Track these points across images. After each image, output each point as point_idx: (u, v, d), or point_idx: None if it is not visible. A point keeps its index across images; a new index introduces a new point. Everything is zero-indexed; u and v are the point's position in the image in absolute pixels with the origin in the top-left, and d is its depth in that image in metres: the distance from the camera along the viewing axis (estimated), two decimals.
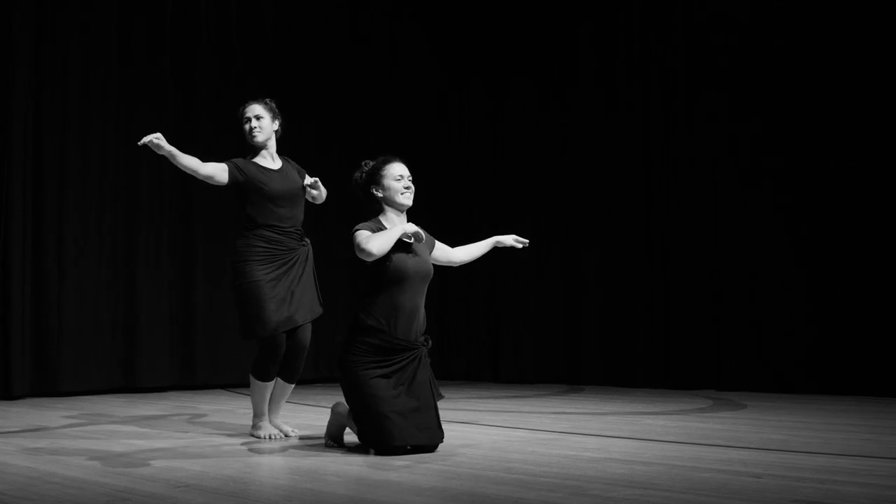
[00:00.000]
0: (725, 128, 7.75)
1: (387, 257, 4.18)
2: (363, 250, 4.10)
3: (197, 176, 4.70)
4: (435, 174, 9.40)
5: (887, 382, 6.85)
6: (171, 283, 7.92)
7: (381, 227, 4.28)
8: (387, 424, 4.08)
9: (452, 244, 9.64)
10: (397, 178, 4.32)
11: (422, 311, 4.31)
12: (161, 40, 7.97)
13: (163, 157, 8.17)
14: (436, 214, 9.39)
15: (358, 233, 4.18)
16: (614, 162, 8.39)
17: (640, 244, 8.20)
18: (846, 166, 7.16)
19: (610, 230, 8.37)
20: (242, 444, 4.61)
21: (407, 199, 4.35)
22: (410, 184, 4.36)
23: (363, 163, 4.44)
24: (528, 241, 4.68)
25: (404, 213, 4.40)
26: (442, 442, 4.30)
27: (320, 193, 4.95)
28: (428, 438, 4.18)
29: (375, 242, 4.11)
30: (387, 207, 4.34)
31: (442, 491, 3.33)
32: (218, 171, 4.73)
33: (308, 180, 4.89)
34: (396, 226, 4.28)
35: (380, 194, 4.33)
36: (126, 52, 7.82)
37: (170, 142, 7.93)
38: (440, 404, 4.40)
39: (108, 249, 7.65)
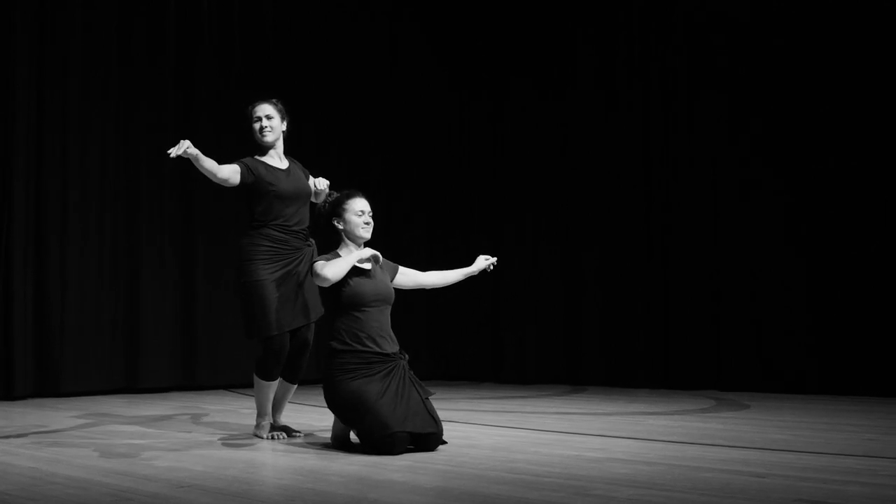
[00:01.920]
0: (725, 128, 7.75)
1: (344, 283, 4.38)
2: (318, 276, 4.33)
3: (214, 179, 4.69)
4: (435, 174, 9.41)
5: (889, 382, 6.85)
6: (172, 283, 7.90)
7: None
8: (377, 417, 4.16)
9: (452, 245, 9.63)
10: (359, 213, 4.54)
11: (387, 330, 4.45)
12: (161, 40, 7.97)
13: (165, 157, 8.18)
14: (436, 214, 9.41)
15: (315, 263, 4.40)
16: (614, 162, 8.39)
17: (640, 244, 8.20)
18: (846, 166, 7.17)
19: (610, 230, 8.37)
20: (245, 444, 4.62)
21: (366, 232, 4.56)
22: (371, 219, 4.58)
23: (328, 193, 4.70)
24: (495, 258, 4.75)
25: (362, 246, 4.58)
26: (442, 436, 4.32)
27: (323, 193, 4.99)
28: (421, 425, 4.21)
29: (331, 269, 4.31)
30: (346, 239, 4.54)
31: (444, 491, 3.34)
32: (232, 174, 4.73)
33: (320, 185, 4.92)
34: (354, 252, 4.46)
35: (340, 226, 4.55)
36: (126, 52, 7.80)
37: (169, 141, 7.96)
38: (437, 403, 4.47)
39: (108, 249, 7.64)
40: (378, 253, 4.45)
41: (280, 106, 4.94)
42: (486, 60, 9.33)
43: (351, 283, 4.37)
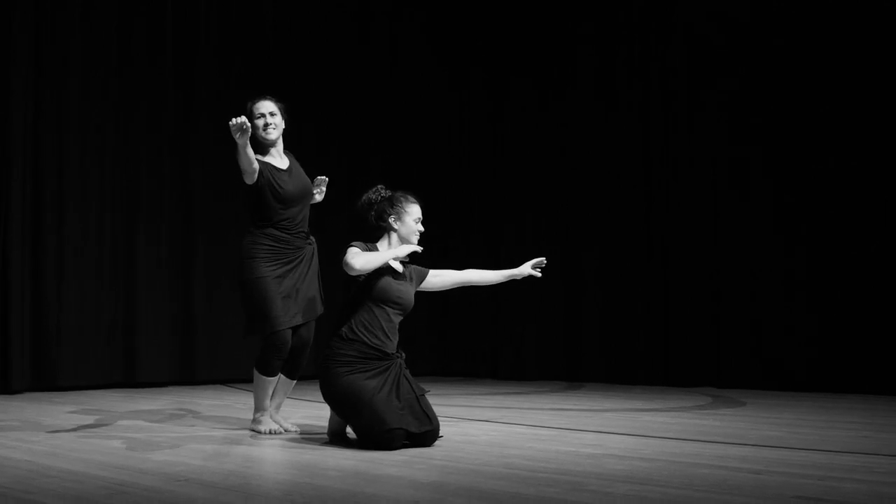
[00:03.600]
0: (725, 128, 7.75)
1: (376, 277, 4.34)
2: (347, 263, 4.26)
3: (248, 169, 4.64)
4: (435, 174, 9.38)
5: (886, 380, 6.85)
6: (171, 281, 7.89)
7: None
8: (374, 413, 4.16)
9: (452, 245, 9.60)
10: (417, 219, 4.51)
11: (395, 333, 4.42)
12: (161, 40, 7.96)
13: (164, 156, 8.16)
14: (436, 214, 9.38)
15: (350, 248, 4.33)
16: (614, 162, 8.39)
17: (640, 243, 8.20)
18: (846, 166, 7.17)
19: (610, 230, 8.37)
20: (243, 438, 4.62)
21: (417, 240, 4.52)
22: (422, 227, 4.54)
23: (379, 186, 4.58)
24: (544, 259, 4.67)
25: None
26: (439, 433, 4.32)
27: (321, 194, 5.04)
28: (416, 426, 4.21)
29: (360, 259, 4.26)
30: (393, 237, 4.48)
31: (441, 485, 3.34)
32: (256, 169, 4.71)
33: (318, 183, 4.99)
34: (391, 249, 4.41)
35: (396, 225, 4.48)
36: (126, 52, 7.81)
37: (169, 141, 8.01)
38: (434, 399, 4.48)
39: (107, 248, 7.63)
40: (417, 249, 4.40)
41: (280, 103, 4.94)
42: (486, 60, 9.33)
43: (381, 278, 4.35)
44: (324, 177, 5.07)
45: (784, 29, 7.49)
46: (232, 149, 4.65)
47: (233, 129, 4.45)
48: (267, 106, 4.86)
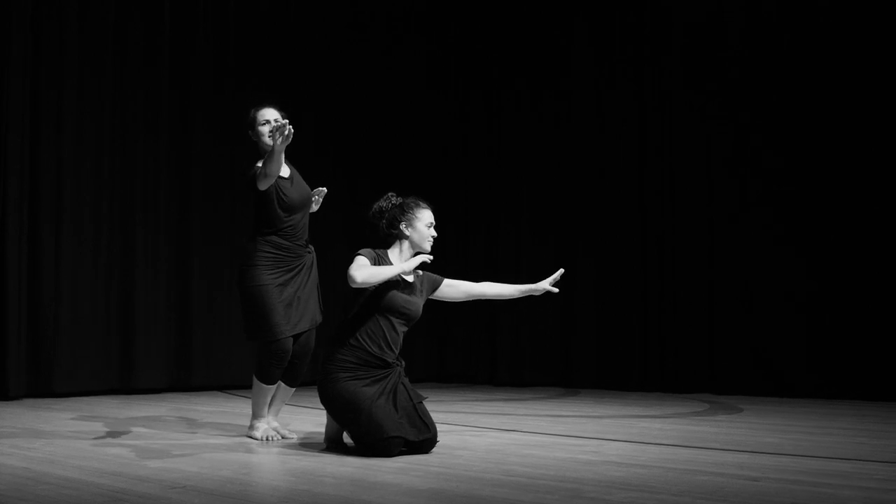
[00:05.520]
0: (723, 129, 7.76)
1: (384, 286, 4.29)
2: (349, 275, 4.19)
3: (275, 171, 4.60)
4: (433, 174, 9.36)
5: (883, 386, 6.87)
6: (168, 285, 7.88)
7: (383, 261, 4.36)
8: (373, 421, 4.14)
9: (446, 248, 9.61)
10: (429, 224, 4.42)
11: (398, 342, 4.39)
12: (158, 40, 7.96)
13: (161, 156, 8.09)
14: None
15: (358, 257, 4.27)
16: (611, 164, 8.40)
17: (636, 247, 8.21)
18: (844, 171, 7.18)
19: (605, 233, 8.38)
20: (239, 445, 4.61)
21: (430, 246, 4.44)
22: (435, 233, 4.45)
23: (390, 193, 4.52)
24: (560, 270, 4.57)
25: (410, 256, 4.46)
26: (436, 440, 4.31)
27: (317, 204, 5.05)
28: (415, 434, 4.20)
29: (364, 273, 4.19)
30: (405, 244, 4.41)
31: (438, 493, 3.34)
32: (277, 175, 4.69)
33: (316, 193, 4.99)
34: (398, 264, 4.33)
35: (407, 232, 4.41)
36: (123, 50, 7.79)
37: (166, 140, 7.98)
38: (431, 406, 4.46)
39: (104, 251, 7.61)
40: (427, 259, 4.32)
41: (283, 111, 4.92)
42: (484, 60, 9.35)
43: (388, 291, 4.30)
44: (323, 188, 5.06)
45: (783, 29, 7.51)
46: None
47: (275, 133, 4.41)
48: (271, 113, 4.84)
